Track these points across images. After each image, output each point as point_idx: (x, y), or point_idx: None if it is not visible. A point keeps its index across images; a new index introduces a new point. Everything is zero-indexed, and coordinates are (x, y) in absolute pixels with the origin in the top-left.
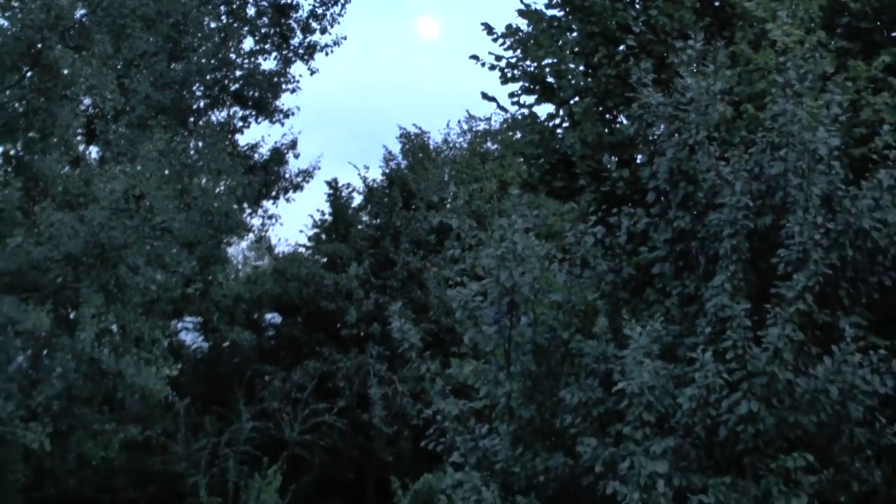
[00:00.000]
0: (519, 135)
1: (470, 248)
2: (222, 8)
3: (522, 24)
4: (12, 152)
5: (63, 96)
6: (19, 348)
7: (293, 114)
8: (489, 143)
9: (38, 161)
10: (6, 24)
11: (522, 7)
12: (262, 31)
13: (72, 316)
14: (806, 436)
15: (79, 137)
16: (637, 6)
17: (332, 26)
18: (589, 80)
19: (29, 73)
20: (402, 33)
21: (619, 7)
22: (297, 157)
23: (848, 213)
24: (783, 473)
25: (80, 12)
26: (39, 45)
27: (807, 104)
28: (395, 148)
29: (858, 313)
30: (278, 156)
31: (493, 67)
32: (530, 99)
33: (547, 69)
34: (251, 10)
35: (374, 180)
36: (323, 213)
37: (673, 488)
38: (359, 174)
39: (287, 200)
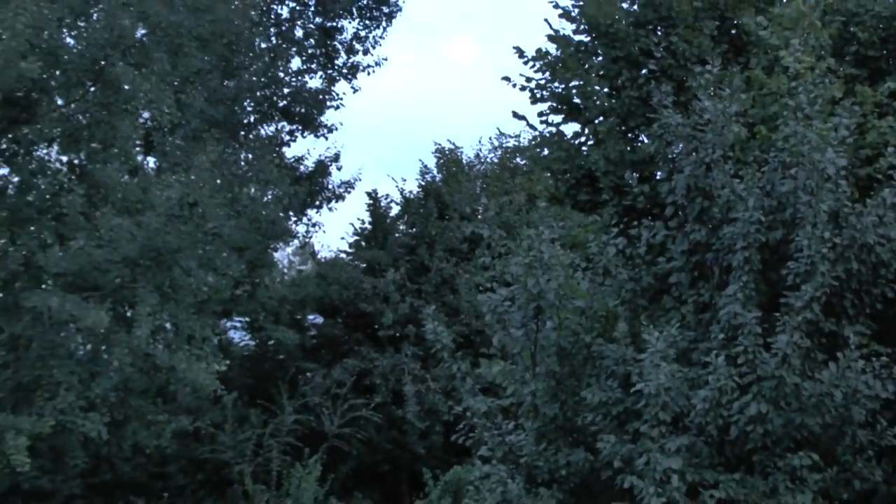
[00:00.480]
0: (546, 151)
1: (499, 256)
2: (272, 30)
3: (551, 48)
4: (76, 161)
5: (124, 110)
6: (80, 343)
7: (336, 129)
8: (518, 159)
9: (100, 170)
10: (72, 42)
11: (552, 33)
12: (309, 51)
13: (129, 314)
14: (811, 436)
15: (137, 148)
16: (659, 33)
17: (373, 48)
18: (613, 101)
19: (92, 88)
20: (438, 53)
21: (642, 34)
22: (339, 169)
23: (853, 228)
24: (790, 471)
25: (140, 32)
26: (103, 62)
27: (816, 126)
28: (431, 162)
29: (862, 322)
30: (322, 168)
31: (523, 88)
32: (558, 118)
33: (574, 90)
34: (299, 32)
35: (410, 192)
36: (363, 222)
37: (686, 483)
38: (397, 186)
39: (330, 209)
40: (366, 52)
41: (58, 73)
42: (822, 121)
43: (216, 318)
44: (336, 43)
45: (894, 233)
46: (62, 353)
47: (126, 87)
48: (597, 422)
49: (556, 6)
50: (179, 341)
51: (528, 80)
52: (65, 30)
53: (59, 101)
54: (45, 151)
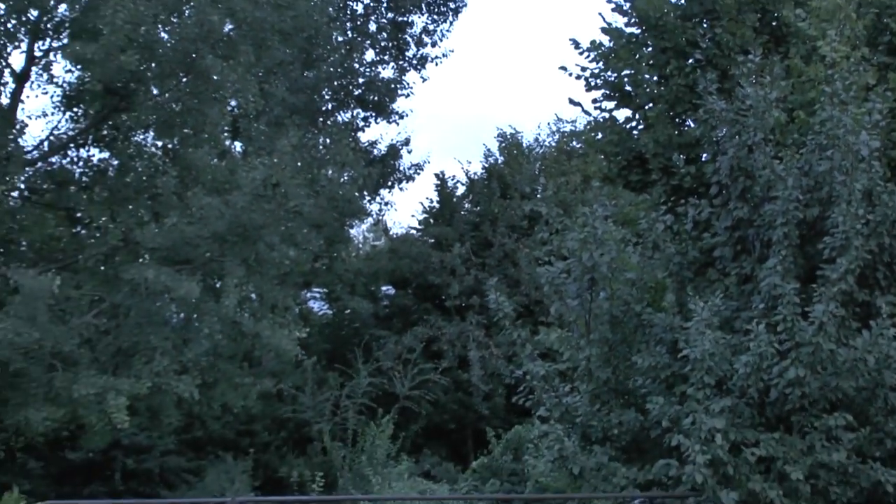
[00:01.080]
0: (600, 135)
1: (557, 232)
2: (348, 24)
3: (605, 40)
4: (170, 146)
5: (213, 98)
6: (174, 312)
7: (406, 115)
8: (574, 143)
9: (191, 153)
10: (166, 37)
11: (605, 25)
12: (382, 44)
13: (217, 285)
14: (846, 398)
15: (225, 134)
16: (704, 25)
17: (441, 40)
18: (661, 88)
19: (184, 79)
20: (501, 43)
21: (689, 26)
22: (409, 152)
23: (886, 206)
24: (826, 431)
25: (227, 27)
26: (194, 55)
27: (851, 111)
28: (494, 146)
29: (894, 293)
30: (394, 151)
31: (578, 77)
32: (610, 104)
33: (625, 79)
34: (373, 26)
35: (475, 173)
36: (431, 201)
37: (729, 442)
38: (462, 168)
39: (401, 189)
40: (434, 45)
41: (153, 65)
42: (857, 106)
43: (297, 289)
44: (406, 36)
45: None
46: (157, 321)
47: (215, 77)
48: (646, 385)
49: (609, 0)
50: (264, 310)
51: (584, 69)
52: (160, 25)
53: (155, 91)
54: (141, 137)
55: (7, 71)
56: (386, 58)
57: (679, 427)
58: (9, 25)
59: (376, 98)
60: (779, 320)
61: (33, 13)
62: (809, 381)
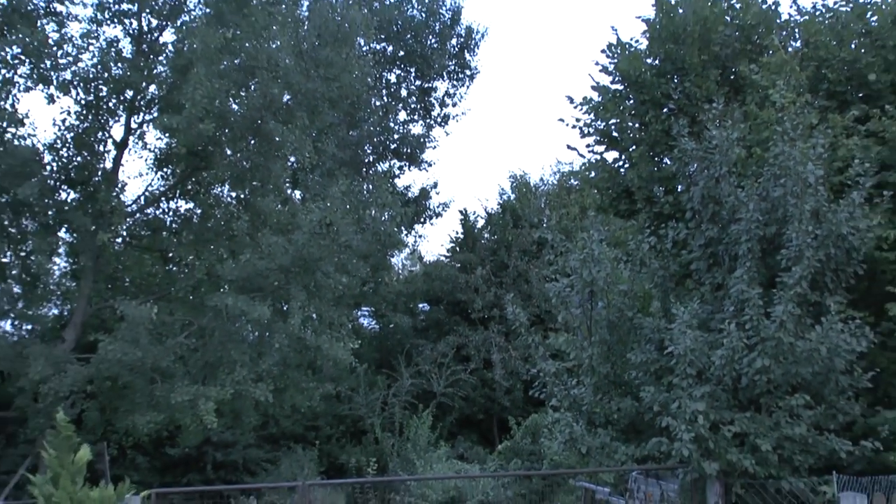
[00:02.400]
0: (593, 174)
1: (560, 254)
2: (383, 91)
3: (594, 95)
4: (242, 196)
5: (275, 156)
6: (249, 331)
7: (434, 164)
8: (572, 180)
9: (260, 201)
10: (237, 107)
11: (594, 84)
12: (412, 106)
13: (284, 308)
14: (804, 382)
15: (287, 184)
16: (675, 80)
17: (460, 101)
18: (642, 133)
19: (252, 141)
20: (510, 99)
21: (663, 81)
22: (437, 193)
23: (830, 223)
24: (788, 409)
25: (286, 97)
26: (259, 121)
27: (799, 146)
28: (507, 185)
29: (840, 294)
30: (424, 193)
31: (574, 126)
32: (601, 148)
33: (612, 127)
34: (404, 92)
35: (491, 208)
36: (457, 233)
37: (709, 421)
38: (481, 204)
39: (431, 224)
40: (454, 105)
41: (226, 130)
42: (803, 142)
43: (349, 309)
44: (432, 99)
45: (861, 224)
46: (237, 339)
47: (277, 138)
48: (639, 377)
49: (597, 64)
50: (323, 327)
51: (578, 120)
52: (231, 98)
53: (228, 152)
54: (219, 189)
55: (110, 140)
56: (415, 117)
57: (667, 411)
58: (110, 104)
59: (409, 150)
60: (746, 320)
61: (129, 93)
62: (773, 369)
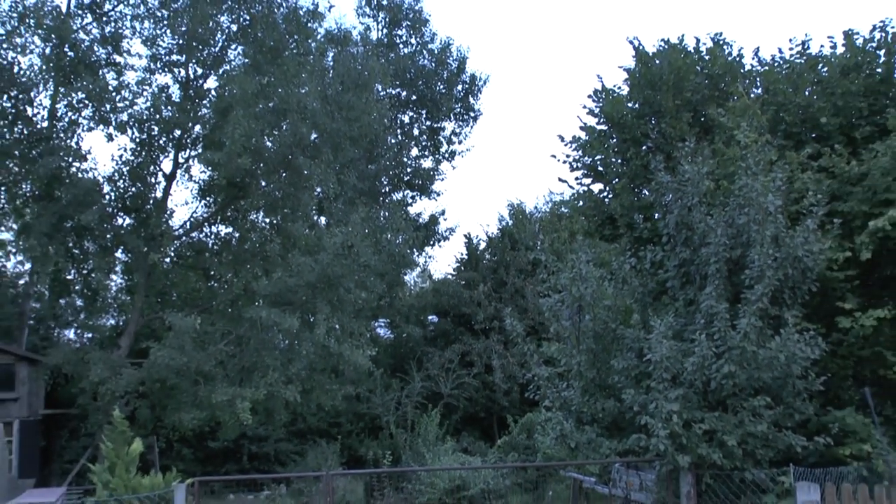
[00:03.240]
0: (581, 203)
1: (553, 273)
2: (398, 131)
3: (582, 134)
4: (274, 221)
5: (304, 187)
6: (281, 340)
7: (442, 194)
8: (563, 208)
9: (290, 226)
10: (270, 144)
11: (582, 124)
12: (423, 144)
13: (311, 320)
14: (765, 385)
15: (313, 211)
16: (652, 122)
17: (465, 139)
18: (624, 168)
19: (284, 174)
20: (509, 136)
21: (642, 122)
22: (445, 219)
23: (788, 246)
24: (751, 409)
25: (313, 136)
26: (290, 157)
27: (760, 180)
28: (505, 212)
29: (796, 309)
30: (433, 220)
31: (564, 162)
32: (588, 181)
33: (598, 162)
34: (416, 131)
35: (492, 233)
36: (462, 254)
37: (682, 420)
38: (483, 229)
39: (439, 246)
40: (460, 143)
41: (261, 164)
42: (764, 176)
43: (368, 320)
44: (440, 138)
45: (815, 248)
46: (269, 347)
47: (305, 172)
48: (621, 381)
49: (585, 107)
50: (344, 336)
51: (568, 156)
52: (265, 137)
53: (263, 183)
54: (254, 216)
55: (160, 173)
56: (426, 153)
57: (646, 411)
58: (161, 141)
59: (420, 182)
60: (715, 331)
61: (177, 132)
62: (738, 374)
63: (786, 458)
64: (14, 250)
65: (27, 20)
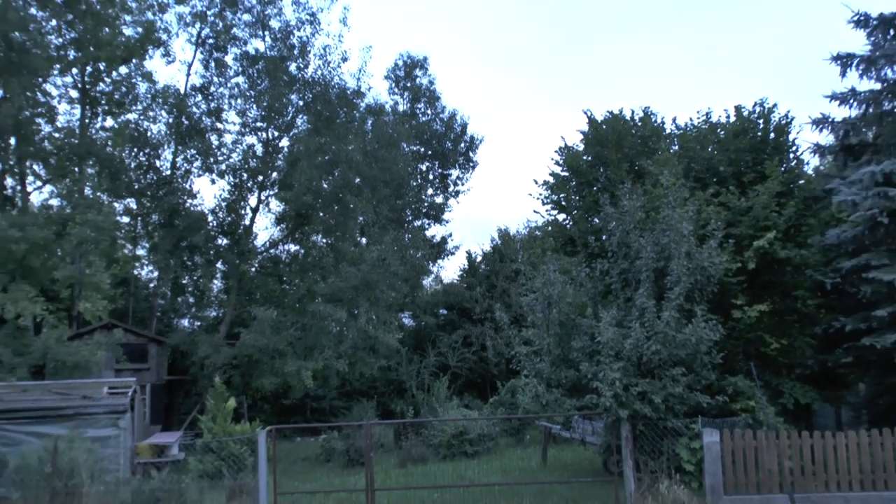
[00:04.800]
0: (550, 228)
1: (530, 279)
2: (418, 176)
3: (550, 179)
4: (329, 241)
5: (350, 217)
6: (334, 326)
7: (449, 221)
8: (537, 232)
9: (340, 245)
10: (326, 186)
11: (551, 172)
12: (436, 186)
13: (356, 312)
14: (681, 359)
15: (357, 234)
16: (601, 169)
17: (466, 181)
18: (580, 202)
19: (336, 207)
20: (496, 178)
21: (594, 170)
22: (451, 240)
23: (697, 260)
24: (671, 376)
25: (357, 180)
26: (340, 195)
27: (678, 212)
28: (496, 234)
29: (703, 304)
30: (443, 240)
31: (538, 198)
32: (555, 212)
33: (562, 199)
34: (431, 176)
35: (486, 250)
36: (464, 265)
37: (622, 384)
38: (480, 247)
39: (448, 259)
40: (463, 184)
41: (319, 201)
42: (680, 208)
43: (396, 313)
44: (448, 181)
45: (716, 261)
46: (325, 332)
47: (351, 206)
48: (579, 356)
49: (552, 159)
50: (379, 324)
51: (540, 194)
52: (323, 181)
53: (321, 214)
54: (315, 237)
55: (248, 207)
56: (438, 193)
57: (596, 378)
58: (248, 184)
59: (433, 213)
60: (645, 320)
61: (260, 178)
62: (662, 351)
63: (695, 411)
64: (146, 263)
65: (157, 99)
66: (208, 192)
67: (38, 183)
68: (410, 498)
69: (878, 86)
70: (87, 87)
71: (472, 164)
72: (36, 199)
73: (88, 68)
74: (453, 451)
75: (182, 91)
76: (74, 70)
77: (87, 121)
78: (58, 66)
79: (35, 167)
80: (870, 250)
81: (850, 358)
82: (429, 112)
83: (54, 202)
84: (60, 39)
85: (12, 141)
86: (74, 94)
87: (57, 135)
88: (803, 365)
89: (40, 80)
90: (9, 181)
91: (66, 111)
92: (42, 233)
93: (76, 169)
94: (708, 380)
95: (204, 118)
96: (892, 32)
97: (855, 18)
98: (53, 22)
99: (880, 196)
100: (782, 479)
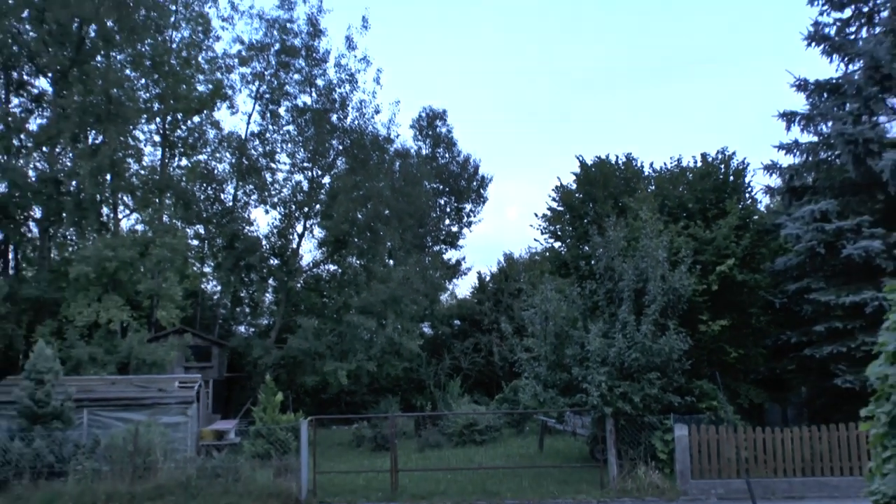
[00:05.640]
0: (547, 253)
1: (530, 296)
2: (437, 209)
3: (548, 212)
4: (362, 263)
5: (380, 243)
6: (365, 333)
7: (463, 247)
8: (537, 257)
9: (372, 266)
10: (360, 216)
11: (548, 206)
12: (452, 217)
13: (384, 322)
14: (657, 365)
15: (386, 257)
16: (591, 205)
17: (478, 214)
18: (573, 233)
19: (369, 234)
20: (505, 210)
21: (584, 205)
22: (465, 262)
23: (670, 282)
24: (648, 380)
25: (386, 212)
26: (372, 224)
27: (654, 241)
28: (502, 258)
29: (675, 319)
30: (458, 263)
31: (537, 228)
32: (552, 240)
33: (558, 230)
34: (448, 209)
35: (494, 271)
36: (475, 284)
37: (607, 386)
38: (489, 270)
39: (461, 279)
40: (475, 216)
41: (354, 229)
42: (656, 238)
43: (418, 323)
44: (462, 214)
45: (686, 283)
46: (358, 338)
47: (381, 233)
48: (571, 362)
49: (549, 196)
50: (403, 332)
51: (540, 225)
52: (358, 212)
53: (356, 240)
54: (350, 259)
55: (295, 233)
56: (454, 223)
57: (585, 380)
58: (296, 214)
59: (450, 241)
60: (627, 332)
61: (305, 209)
62: (640, 359)
63: (668, 409)
64: (211, 278)
65: (223, 143)
66: (263, 220)
67: (127, 211)
68: (428, 478)
69: (815, 139)
70: (167, 132)
71: (482, 199)
72: (125, 225)
73: (168, 118)
74: (464, 439)
75: (243, 136)
76: (158, 119)
77: (166, 160)
78: (145, 116)
79: (125, 199)
80: (810, 275)
81: (794, 365)
82: (447, 156)
83: (139, 228)
84: (147, 94)
85: (108, 177)
86: (157, 138)
87: (142, 172)
88: (756, 371)
89: (131, 127)
90: (104, 210)
91: (150, 153)
92: (129, 253)
93: (157, 200)
94: (678, 383)
95: (260, 159)
96: (825, 95)
97: (796, 83)
98: (143, 80)
99: (818, 230)
100: (739, 466)
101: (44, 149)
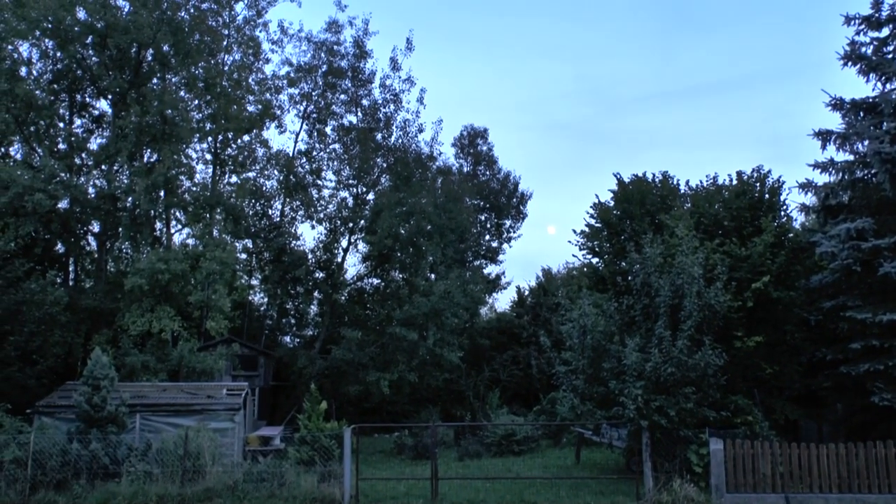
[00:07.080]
0: (585, 269)
1: (568, 310)
2: (478, 224)
3: (586, 229)
4: (405, 277)
5: (423, 257)
6: (407, 345)
7: (503, 262)
8: (575, 272)
9: (414, 280)
10: (403, 232)
11: (587, 223)
12: (492, 233)
13: (425, 334)
14: (692, 380)
15: (428, 271)
16: (628, 222)
17: (517, 230)
18: (610, 249)
19: (411, 249)
20: (544, 227)
21: (623, 222)
22: (504, 277)
23: (706, 298)
24: (684, 394)
25: (428, 227)
26: (414, 239)
27: (689, 258)
28: (540, 272)
29: (710, 335)
30: (498, 277)
31: (576, 244)
32: (590, 256)
33: (595, 245)
34: (488, 225)
35: (532, 286)
36: (514, 297)
37: (643, 399)
38: (528, 284)
39: (501, 293)
40: (514, 231)
41: (398, 244)
42: (692, 255)
43: (459, 335)
44: (503, 230)
45: (721, 299)
46: (400, 349)
47: (423, 248)
48: (608, 375)
49: (587, 212)
50: (444, 344)
51: (578, 241)
52: (401, 228)
53: (399, 254)
54: (393, 273)
55: (340, 247)
56: (494, 239)
57: (622, 393)
58: (341, 229)
59: (490, 255)
60: (663, 347)
61: (350, 224)
62: (676, 373)
63: (703, 423)
64: (259, 291)
65: (271, 161)
66: (309, 235)
67: (179, 226)
68: (467, 486)
69: (851, 157)
70: (219, 151)
71: (522, 215)
72: (177, 239)
73: (220, 137)
74: (503, 450)
75: (290, 155)
76: (209, 138)
77: (217, 178)
78: (197, 135)
79: (177, 214)
80: (846, 293)
81: (829, 383)
82: (487, 173)
83: (190, 242)
84: (200, 114)
85: (162, 193)
86: (208, 156)
87: (194, 189)
88: (791, 387)
89: (184, 146)
90: (158, 225)
91: (202, 170)
92: (181, 266)
93: (207, 216)
94: (714, 397)
95: (307, 176)
96: (861, 114)
97: (832, 102)
98: (196, 101)
99: (854, 249)
100: (775, 481)
101: (102, 167)
